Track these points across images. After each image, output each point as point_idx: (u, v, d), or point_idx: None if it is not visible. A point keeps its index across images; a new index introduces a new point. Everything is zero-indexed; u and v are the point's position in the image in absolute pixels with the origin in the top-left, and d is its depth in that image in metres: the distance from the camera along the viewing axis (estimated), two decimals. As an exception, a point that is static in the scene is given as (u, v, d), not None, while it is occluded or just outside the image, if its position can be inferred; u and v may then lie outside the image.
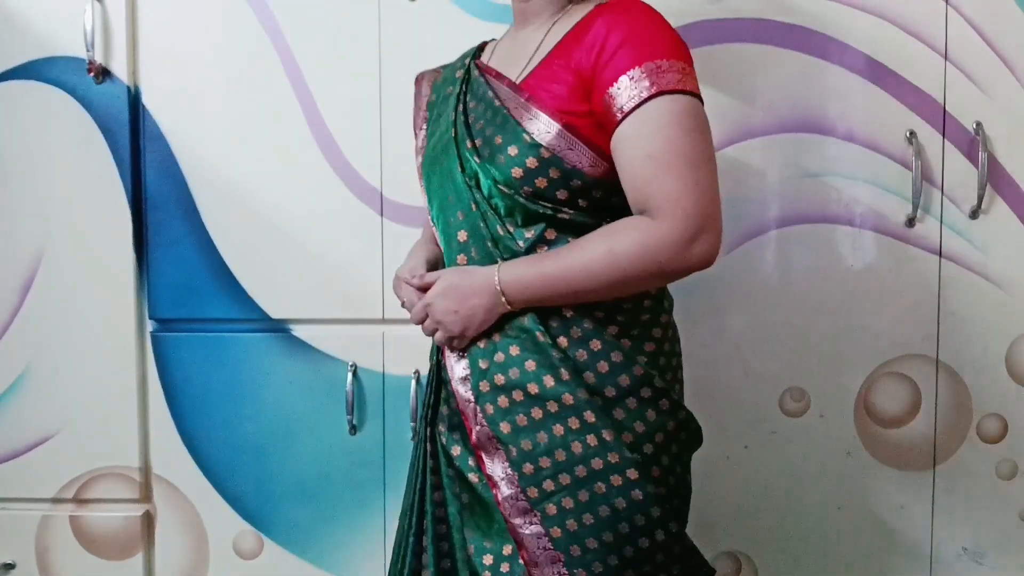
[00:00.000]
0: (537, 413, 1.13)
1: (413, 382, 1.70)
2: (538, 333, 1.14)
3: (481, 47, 1.35)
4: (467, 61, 1.28)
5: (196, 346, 1.73)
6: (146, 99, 1.71)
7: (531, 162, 1.11)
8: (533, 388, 1.13)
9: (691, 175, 1.04)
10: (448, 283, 1.18)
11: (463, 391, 1.19)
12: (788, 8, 1.66)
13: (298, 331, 1.72)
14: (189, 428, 1.74)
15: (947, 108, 1.66)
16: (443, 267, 1.26)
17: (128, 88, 1.70)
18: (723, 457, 1.71)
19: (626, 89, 1.05)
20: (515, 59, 1.21)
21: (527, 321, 1.15)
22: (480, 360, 1.18)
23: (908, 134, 1.67)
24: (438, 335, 1.20)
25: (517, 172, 1.12)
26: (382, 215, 1.70)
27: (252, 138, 1.70)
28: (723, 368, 1.70)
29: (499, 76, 1.20)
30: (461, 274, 1.18)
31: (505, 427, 1.15)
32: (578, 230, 1.14)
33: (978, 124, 1.66)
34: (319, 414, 1.72)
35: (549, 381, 1.13)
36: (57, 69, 1.70)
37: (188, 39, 1.70)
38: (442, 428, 1.24)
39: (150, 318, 1.74)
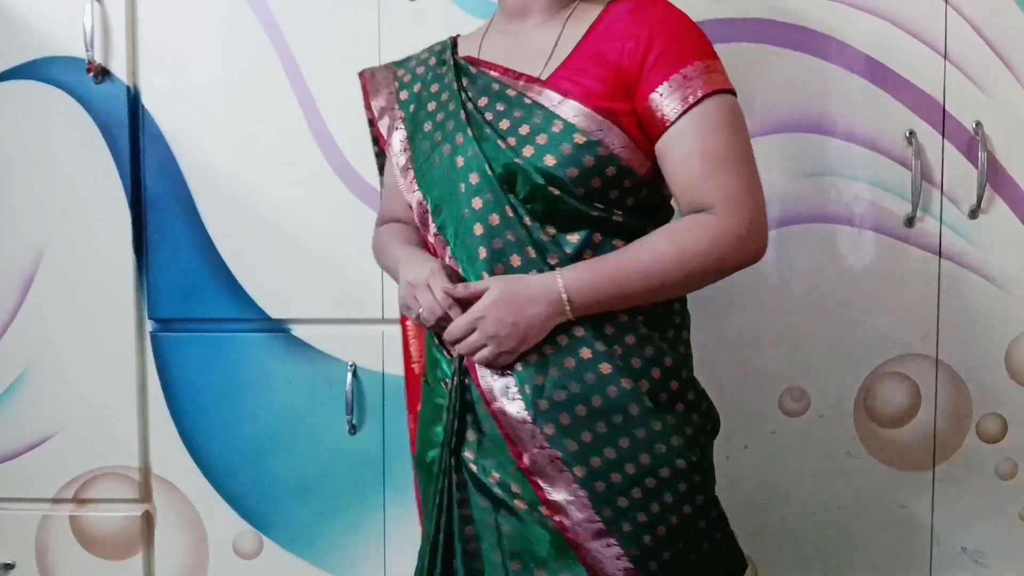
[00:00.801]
0: (602, 428, 1.09)
1: (413, 382, 1.70)
2: (598, 343, 1.09)
3: (454, 41, 1.25)
4: (447, 56, 1.21)
5: (196, 346, 1.73)
6: (146, 99, 1.71)
7: (588, 160, 1.08)
8: (597, 401, 1.08)
9: (745, 172, 1.07)
10: (502, 292, 1.07)
11: (515, 412, 1.10)
12: (788, 8, 1.66)
13: (298, 331, 1.72)
14: (189, 428, 1.74)
15: (947, 108, 1.66)
16: (457, 279, 1.15)
17: (128, 88, 1.70)
18: (723, 457, 1.71)
19: (678, 89, 1.06)
20: (526, 54, 1.15)
21: (581, 331, 1.09)
22: (534, 377, 1.09)
23: (908, 134, 1.67)
24: (485, 352, 1.09)
25: (573, 172, 1.08)
26: (382, 215, 1.70)
27: (252, 138, 1.70)
28: (723, 368, 1.69)
29: (510, 72, 1.13)
30: (513, 282, 1.08)
31: (571, 446, 1.08)
32: (624, 233, 1.10)
33: (978, 124, 1.66)
34: (319, 414, 1.72)
35: (612, 392, 1.08)
36: (57, 69, 1.70)
37: (188, 39, 1.70)
38: (469, 455, 1.13)
39: (150, 318, 1.74)
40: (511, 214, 1.10)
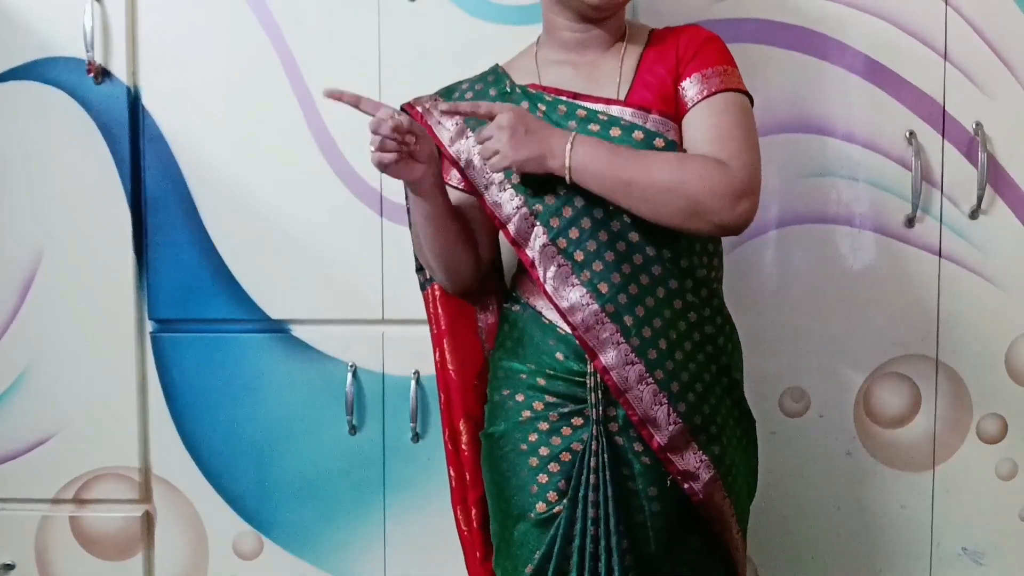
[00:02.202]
0: (713, 399, 1.29)
1: (413, 382, 1.70)
2: (720, 340, 1.31)
3: (500, 70, 1.37)
4: (508, 85, 1.33)
5: (196, 346, 1.73)
6: (146, 99, 1.70)
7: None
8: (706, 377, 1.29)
9: (750, 147, 1.24)
10: (519, 110, 1.23)
11: (648, 395, 1.23)
12: (788, 8, 1.66)
13: (298, 331, 1.72)
14: (189, 428, 1.74)
15: (947, 108, 1.67)
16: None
17: (128, 88, 1.70)
18: (723, 457, 1.71)
19: (700, 83, 1.26)
20: (595, 81, 1.31)
21: (710, 328, 1.29)
22: (666, 363, 1.24)
23: (908, 134, 1.67)
24: (491, 144, 1.21)
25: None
26: (382, 215, 1.70)
27: (252, 138, 1.70)
28: (723, 368, 1.69)
29: (585, 96, 1.28)
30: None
31: (698, 419, 1.26)
32: None
33: (978, 124, 1.66)
34: (319, 415, 1.72)
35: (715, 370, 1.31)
36: (57, 69, 1.70)
37: (188, 39, 1.70)
38: (615, 428, 1.26)
39: (150, 318, 1.74)
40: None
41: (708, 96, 1.25)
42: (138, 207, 1.73)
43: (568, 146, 1.20)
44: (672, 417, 1.24)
